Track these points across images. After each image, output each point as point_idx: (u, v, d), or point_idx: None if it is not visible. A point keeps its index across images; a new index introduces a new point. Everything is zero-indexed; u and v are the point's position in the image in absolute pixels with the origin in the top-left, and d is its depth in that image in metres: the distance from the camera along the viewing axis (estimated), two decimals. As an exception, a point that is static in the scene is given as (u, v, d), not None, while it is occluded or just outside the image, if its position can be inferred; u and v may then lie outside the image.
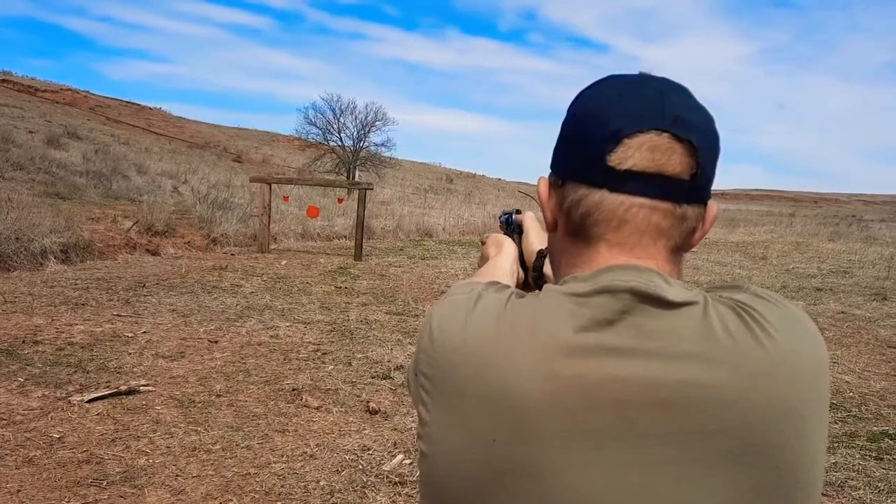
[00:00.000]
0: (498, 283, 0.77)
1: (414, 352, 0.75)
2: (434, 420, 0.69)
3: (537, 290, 0.73)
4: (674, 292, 0.66)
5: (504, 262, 1.10)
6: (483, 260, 1.17)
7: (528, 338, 0.65)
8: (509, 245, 1.15)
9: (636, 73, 0.74)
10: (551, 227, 0.78)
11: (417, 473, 0.77)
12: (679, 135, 0.67)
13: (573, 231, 0.73)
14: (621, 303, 0.65)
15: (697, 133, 0.68)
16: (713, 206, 0.73)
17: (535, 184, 0.80)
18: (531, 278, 1.13)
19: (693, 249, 0.79)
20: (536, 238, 1.10)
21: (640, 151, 0.67)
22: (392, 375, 5.16)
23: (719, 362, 0.63)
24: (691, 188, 0.69)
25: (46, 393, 4.32)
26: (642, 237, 0.69)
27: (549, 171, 0.77)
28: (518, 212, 1.26)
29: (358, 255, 11.21)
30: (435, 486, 0.70)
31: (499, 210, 1.38)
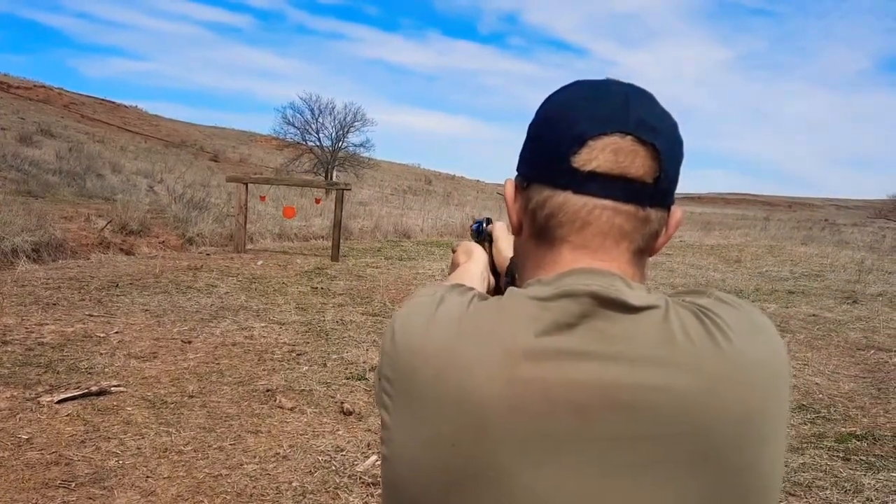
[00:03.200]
0: (462, 285, 0.76)
1: (380, 354, 0.74)
2: (395, 424, 0.69)
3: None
4: (635, 296, 0.66)
5: (474, 268, 1.11)
6: (453, 267, 1.17)
7: (490, 341, 0.65)
8: (479, 252, 1.16)
9: (603, 78, 0.75)
10: (517, 230, 0.78)
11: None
12: (643, 138, 0.68)
13: (537, 233, 0.73)
14: (582, 307, 0.65)
15: (661, 137, 0.69)
16: (677, 210, 0.74)
17: None
18: (503, 284, 1.14)
19: (657, 255, 0.79)
20: (507, 245, 1.10)
21: (603, 153, 0.67)
22: (367, 376, 5.15)
23: (679, 366, 0.63)
24: (654, 191, 0.69)
25: (15, 393, 4.25)
26: (605, 239, 0.70)
27: (516, 173, 0.78)
28: (489, 221, 1.27)
29: (335, 256, 11.17)
30: (396, 489, 0.69)
31: (476, 212, 1.40)
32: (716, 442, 0.62)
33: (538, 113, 0.75)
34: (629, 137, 0.68)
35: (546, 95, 0.77)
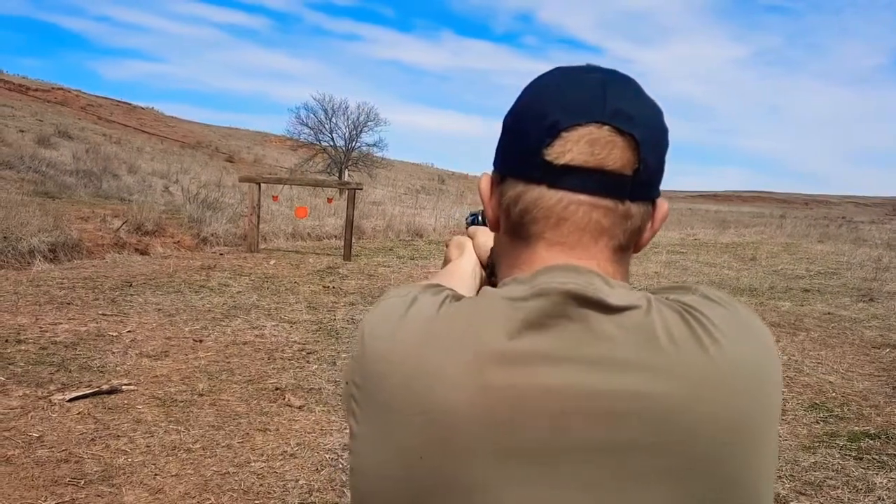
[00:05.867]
0: (438, 285, 0.73)
1: (349, 359, 0.71)
2: (362, 433, 0.65)
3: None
4: (615, 295, 0.62)
5: (466, 263, 1.06)
6: (445, 262, 1.12)
7: (460, 345, 0.62)
8: (472, 247, 1.10)
9: (583, 63, 0.71)
10: (494, 226, 0.75)
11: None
12: (620, 128, 0.64)
13: (512, 229, 0.70)
14: (558, 307, 0.61)
15: (641, 126, 0.65)
16: (663, 204, 0.70)
17: None
18: (487, 276, 1.12)
19: (642, 251, 0.75)
20: (484, 237, 1.04)
21: (578, 145, 0.64)
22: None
23: (661, 371, 0.59)
24: (634, 184, 0.65)
25: (27, 392, 4.30)
26: (582, 236, 0.66)
27: (492, 167, 0.74)
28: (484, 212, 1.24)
29: (347, 255, 11.20)
30: (359, 501, 0.66)
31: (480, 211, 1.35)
32: (701, 451, 0.59)
33: (514, 103, 0.72)
34: (606, 128, 0.64)
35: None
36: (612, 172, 0.64)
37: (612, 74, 0.69)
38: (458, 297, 0.68)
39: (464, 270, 1.04)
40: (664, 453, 0.59)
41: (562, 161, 0.64)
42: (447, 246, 1.17)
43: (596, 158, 0.64)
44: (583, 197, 0.65)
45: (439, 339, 0.63)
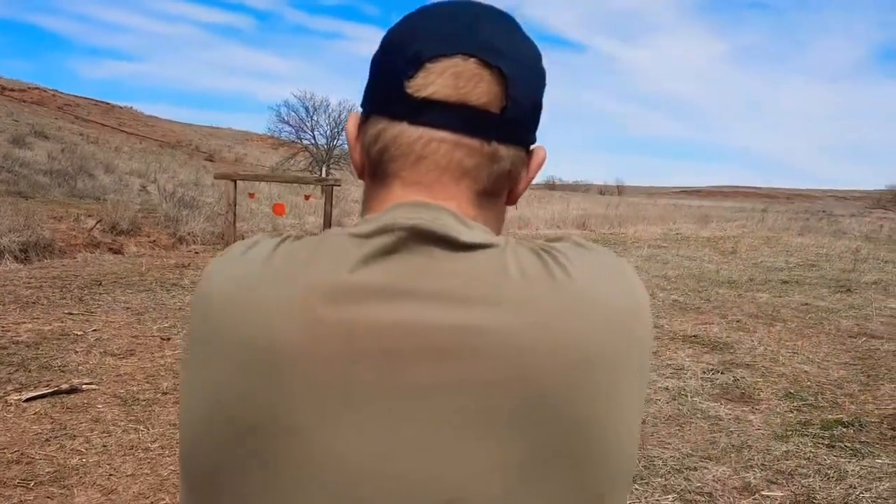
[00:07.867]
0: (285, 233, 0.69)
1: None
2: (185, 379, 0.60)
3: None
4: (468, 234, 0.57)
5: None
6: None
7: (292, 280, 0.57)
8: None
9: None
10: (359, 171, 0.69)
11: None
12: (488, 60, 0.59)
13: (372, 170, 0.65)
14: (401, 242, 0.57)
15: (511, 62, 0.60)
16: (540, 150, 0.66)
17: None
18: None
19: (517, 203, 0.70)
20: None
21: (442, 77, 0.59)
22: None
23: (506, 305, 0.55)
24: (502, 123, 0.60)
25: (-17, 392, 4.18)
26: (442, 175, 0.61)
27: (359, 108, 0.69)
28: None
29: (325, 253, 11.10)
30: (183, 457, 0.61)
31: None
32: (547, 388, 0.54)
33: (383, 37, 0.66)
34: (472, 60, 0.59)
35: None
36: (476, 108, 0.60)
37: (489, 9, 0.64)
38: (300, 237, 0.63)
39: None
40: (506, 391, 0.54)
41: (423, 94, 0.59)
42: None
43: (459, 93, 0.59)
44: (445, 134, 0.60)
45: (272, 275, 0.58)
